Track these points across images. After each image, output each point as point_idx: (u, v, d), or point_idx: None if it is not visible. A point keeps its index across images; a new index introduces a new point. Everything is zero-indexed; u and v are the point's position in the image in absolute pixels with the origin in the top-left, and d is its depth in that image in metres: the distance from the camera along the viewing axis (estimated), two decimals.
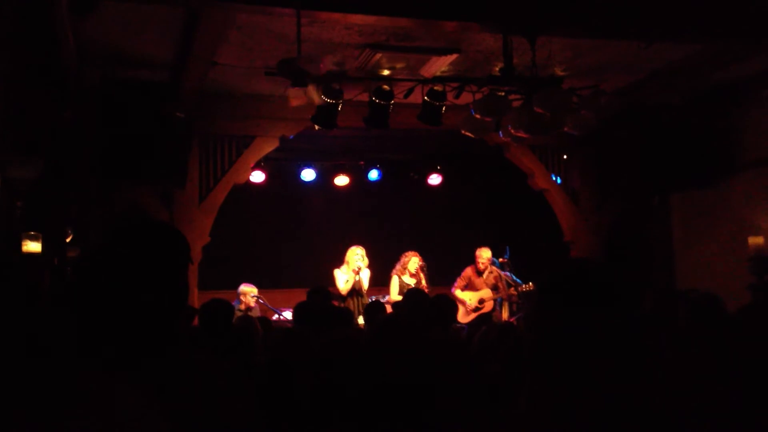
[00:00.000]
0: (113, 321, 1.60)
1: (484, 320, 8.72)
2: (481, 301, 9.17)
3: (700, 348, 3.06)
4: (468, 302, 9.17)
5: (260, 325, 5.02)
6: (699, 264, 9.08)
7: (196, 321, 5.00)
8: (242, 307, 8.85)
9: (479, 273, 9.29)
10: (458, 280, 9.33)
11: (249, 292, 8.99)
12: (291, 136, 8.94)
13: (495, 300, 9.24)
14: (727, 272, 8.46)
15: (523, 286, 9.06)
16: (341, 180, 11.66)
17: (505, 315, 9.24)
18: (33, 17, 4.78)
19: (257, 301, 9.10)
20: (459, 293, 9.25)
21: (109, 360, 1.56)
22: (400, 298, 8.59)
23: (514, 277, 9.22)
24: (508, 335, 4.08)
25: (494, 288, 9.24)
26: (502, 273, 9.23)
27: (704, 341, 3.10)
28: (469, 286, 9.30)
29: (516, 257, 9.46)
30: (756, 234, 8.11)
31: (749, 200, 8.44)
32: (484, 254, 9.29)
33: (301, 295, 6.78)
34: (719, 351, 2.94)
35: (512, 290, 9.11)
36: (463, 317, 9.12)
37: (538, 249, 10.57)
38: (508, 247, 9.34)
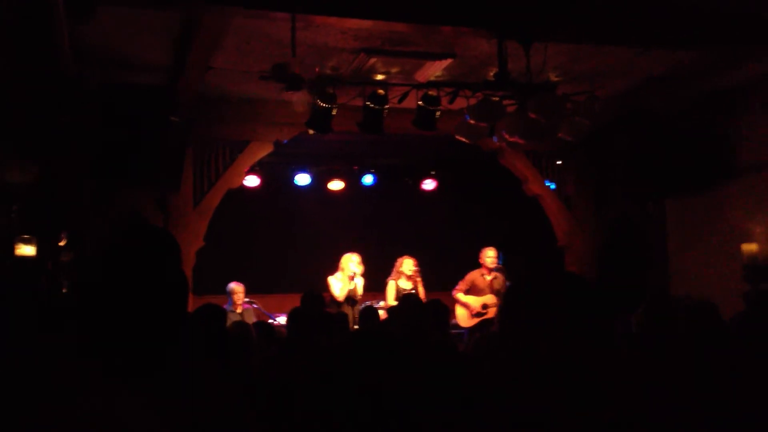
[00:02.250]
0: (112, 326, 1.60)
1: (486, 326, 8.68)
2: (485, 306, 9.06)
3: (695, 356, 3.07)
4: (471, 306, 9.09)
5: (261, 330, 5.01)
6: (693, 270, 9.09)
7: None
8: (234, 308, 8.82)
9: (485, 276, 9.19)
10: (460, 283, 9.22)
11: (238, 290, 8.98)
12: (285, 141, 8.94)
13: (498, 306, 9.14)
14: (721, 279, 8.47)
15: None
16: (336, 185, 11.65)
17: None
18: (30, 21, 4.78)
19: (252, 306, 9.09)
20: (461, 296, 9.14)
21: (109, 365, 1.56)
22: (396, 303, 8.55)
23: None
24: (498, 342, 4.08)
25: (498, 294, 9.14)
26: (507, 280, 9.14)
27: (699, 349, 3.11)
28: (472, 290, 9.19)
29: (510, 263, 9.45)
30: (750, 241, 8.13)
31: (744, 207, 8.46)
32: (490, 253, 9.20)
33: (295, 300, 6.77)
34: (714, 359, 2.95)
35: None
36: (465, 321, 9.06)
37: (532, 254, 10.58)
38: (501, 253, 9.32)
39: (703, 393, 2.24)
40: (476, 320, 9.03)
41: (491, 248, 9.24)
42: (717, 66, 7.61)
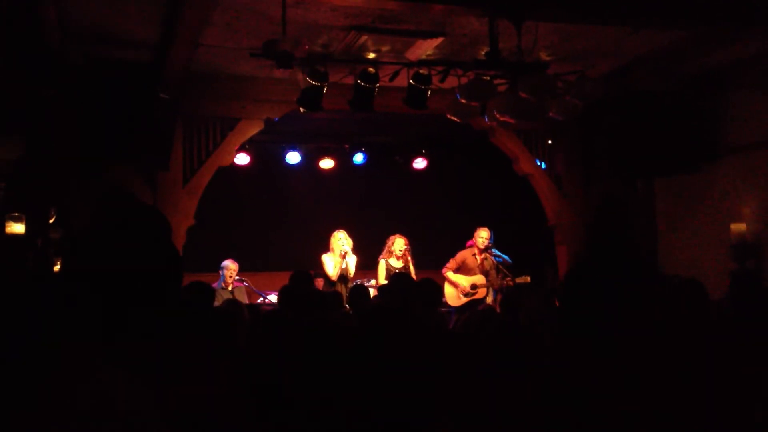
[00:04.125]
0: (100, 300, 1.59)
1: (474, 306, 8.66)
2: (474, 287, 9.05)
3: (682, 333, 3.09)
4: (460, 285, 9.10)
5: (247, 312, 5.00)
6: (681, 249, 9.14)
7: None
8: (224, 285, 8.81)
9: (475, 256, 9.19)
10: (450, 261, 9.20)
11: (232, 267, 8.96)
12: (276, 119, 8.89)
13: (487, 287, 9.13)
14: (710, 258, 8.52)
15: (518, 278, 8.88)
16: (326, 163, 11.63)
17: (489, 300, 9.22)
18: None
19: (242, 283, 9.08)
20: (451, 275, 9.13)
21: (96, 340, 1.56)
22: (386, 282, 8.54)
23: (504, 256, 9.15)
24: (490, 321, 4.11)
25: (487, 274, 9.14)
26: (496, 261, 9.13)
27: (686, 327, 3.13)
28: (462, 270, 9.18)
29: (500, 242, 9.47)
30: (738, 220, 8.17)
31: (732, 186, 8.50)
32: (483, 233, 9.19)
33: (285, 279, 6.77)
34: (701, 336, 2.97)
35: (508, 281, 8.97)
36: (453, 300, 9.07)
37: (523, 233, 10.61)
38: (492, 232, 9.33)
39: (687, 369, 2.26)
40: (465, 300, 9.04)
41: (485, 229, 9.23)
42: (705, 46, 7.60)
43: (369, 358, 2.02)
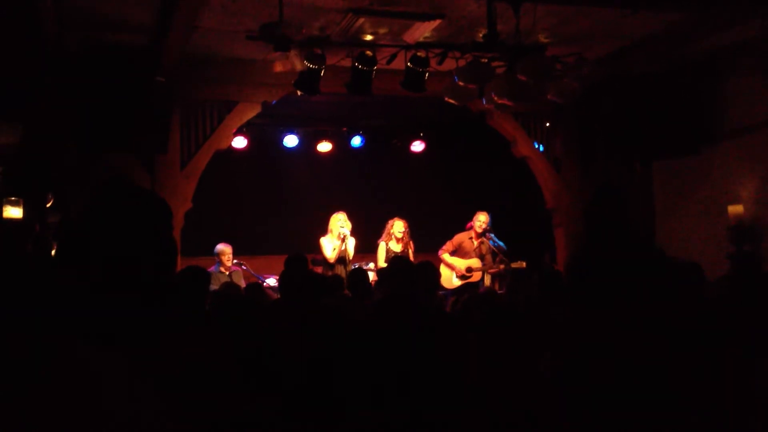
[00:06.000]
0: (96, 286, 1.60)
1: (469, 289, 8.68)
2: (470, 270, 9.08)
3: (680, 315, 3.10)
4: (456, 268, 9.11)
5: (249, 291, 5.01)
6: (679, 231, 9.16)
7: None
8: (223, 269, 8.79)
9: (472, 239, 9.19)
10: (447, 243, 9.21)
11: (227, 251, 8.92)
12: (273, 102, 8.88)
13: (482, 271, 9.15)
14: (706, 240, 8.54)
15: (513, 263, 8.88)
16: (324, 146, 11.60)
17: (487, 283, 9.23)
18: None
19: (240, 267, 9.08)
20: (447, 257, 9.15)
21: (94, 327, 1.56)
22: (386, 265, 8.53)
23: (501, 243, 9.15)
24: (486, 304, 4.12)
25: (483, 258, 9.16)
26: (493, 245, 9.14)
27: (684, 309, 3.14)
28: (459, 252, 9.21)
29: (498, 225, 9.48)
30: (735, 203, 8.18)
31: (729, 169, 8.50)
32: (482, 217, 9.20)
33: (282, 262, 6.77)
34: (699, 319, 2.99)
35: (502, 266, 8.97)
36: (449, 283, 9.09)
37: (520, 216, 10.62)
38: (490, 215, 9.34)
39: (680, 351, 2.28)
40: (460, 282, 9.06)
41: (483, 213, 9.23)
42: (703, 28, 7.57)
43: (377, 346, 2.04)
